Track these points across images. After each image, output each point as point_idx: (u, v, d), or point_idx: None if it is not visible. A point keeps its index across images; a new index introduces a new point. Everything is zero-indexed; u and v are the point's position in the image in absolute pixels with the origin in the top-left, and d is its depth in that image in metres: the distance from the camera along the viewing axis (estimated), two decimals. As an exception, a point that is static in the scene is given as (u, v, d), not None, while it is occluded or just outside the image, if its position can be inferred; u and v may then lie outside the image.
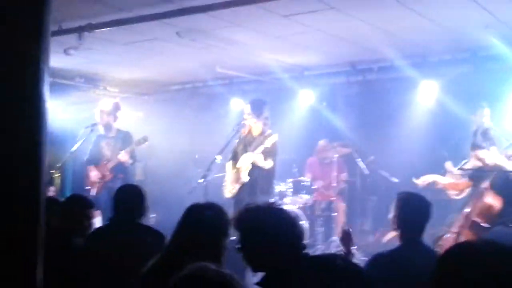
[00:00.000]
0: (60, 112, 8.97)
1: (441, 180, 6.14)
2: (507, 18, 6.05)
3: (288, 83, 8.76)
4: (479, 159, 5.24)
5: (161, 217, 9.27)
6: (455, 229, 5.10)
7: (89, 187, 7.51)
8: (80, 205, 4.19)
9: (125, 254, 3.54)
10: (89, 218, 4.14)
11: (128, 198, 4.03)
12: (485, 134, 5.29)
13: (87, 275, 3.56)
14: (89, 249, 3.78)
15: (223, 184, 6.77)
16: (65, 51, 6.79)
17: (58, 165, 7.43)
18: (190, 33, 6.54)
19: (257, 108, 6.42)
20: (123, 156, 7.26)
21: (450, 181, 6.18)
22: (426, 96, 8.12)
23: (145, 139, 7.38)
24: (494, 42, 6.74)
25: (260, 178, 6.24)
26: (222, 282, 1.49)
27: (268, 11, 5.71)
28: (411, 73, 7.79)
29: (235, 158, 6.49)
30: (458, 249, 1.46)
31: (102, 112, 7.64)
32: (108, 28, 6.19)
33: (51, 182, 7.38)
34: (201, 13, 5.58)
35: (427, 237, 6.40)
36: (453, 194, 6.71)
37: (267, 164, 6.23)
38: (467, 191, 6.10)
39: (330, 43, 7.10)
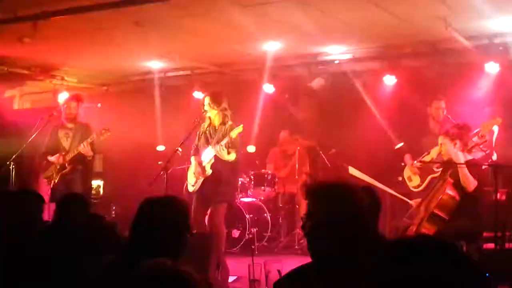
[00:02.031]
0: (16, 102, 8.72)
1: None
2: (465, 12, 6.13)
3: (249, 75, 8.72)
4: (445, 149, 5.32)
5: (121, 210, 9.16)
6: (416, 221, 5.15)
7: (47, 178, 7.33)
8: (30, 200, 4.10)
9: (75, 247, 3.47)
10: (40, 212, 4.10)
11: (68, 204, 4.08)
12: (461, 127, 5.38)
13: (36, 272, 3.47)
14: (38, 245, 3.69)
15: (187, 178, 6.70)
16: (20, 39, 6.59)
17: (14, 156, 7.23)
18: (149, 22, 6.42)
19: (217, 99, 6.37)
20: (84, 148, 7.10)
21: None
22: (386, 88, 8.20)
23: (106, 130, 7.23)
24: (453, 35, 6.83)
25: (224, 170, 6.19)
26: (180, 279, 1.44)
27: (228, 1, 5.65)
28: (372, 66, 7.86)
29: (197, 151, 6.43)
30: (395, 246, 1.46)
31: (66, 103, 7.46)
32: (65, 16, 6.02)
33: (7, 173, 7.19)
34: (159, 2, 5.48)
35: (390, 229, 6.54)
36: (412, 186, 6.82)
37: (231, 157, 6.19)
38: (426, 183, 6.20)
39: (291, 34, 7.08)
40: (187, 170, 6.67)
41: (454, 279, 1.31)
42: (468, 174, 5.00)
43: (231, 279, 5.91)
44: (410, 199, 5.73)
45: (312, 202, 2.41)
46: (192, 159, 6.43)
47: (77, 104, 7.47)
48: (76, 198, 4.28)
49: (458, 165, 5.03)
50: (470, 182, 5.00)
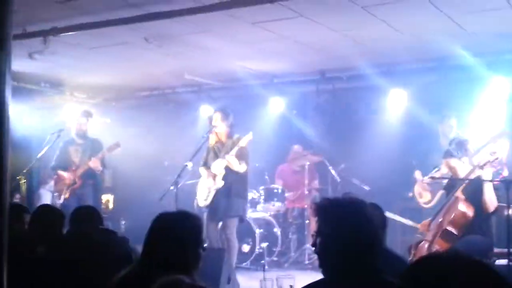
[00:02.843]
0: (25, 118, 8.76)
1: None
2: (473, 29, 6.14)
3: (257, 90, 8.74)
4: (450, 168, 5.28)
5: (130, 224, 9.15)
6: (428, 237, 5.11)
7: (56, 193, 7.34)
8: (51, 214, 4.13)
9: (87, 260, 3.46)
10: (60, 227, 4.12)
11: (84, 214, 4.12)
12: (461, 145, 5.34)
13: (50, 285, 3.46)
14: (52, 257, 3.69)
15: (196, 193, 6.69)
16: (30, 55, 6.65)
17: (24, 171, 7.25)
18: (158, 38, 6.46)
19: (225, 115, 6.40)
20: (94, 163, 7.13)
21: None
22: (395, 104, 8.20)
23: (117, 145, 7.27)
24: (461, 52, 6.84)
25: (234, 182, 6.20)
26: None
27: (235, 18, 5.68)
28: (380, 82, 7.85)
29: (206, 165, 6.43)
30: (424, 263, 1.43)
31: (77, 119, 7.50)
32: (74, 32, 6.07)
33: (17, 188, 7.21)
34: (168, 19, 5.51)
35: (400, 244, 6.50)
36: (422, 202, 6.78)
37: (241, 168, 6.20)
38: (436, 199, 6.16)
39: (299, 50, 7.12)
40: (197, 184, 6.66)
41: None
42: (493, 194, 4.97)
43: (242, 294, 5.89)
44: (421, 216, 5.69)
45: (322, 219, 2.41)
46: (202, 169, 6.43)
47: (87, 119, 7.51)
48: (90, 210, 4.28)
49: (471, 182, 4.99)
50: (493, 202, 4.97)
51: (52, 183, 7.56)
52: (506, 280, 1.34)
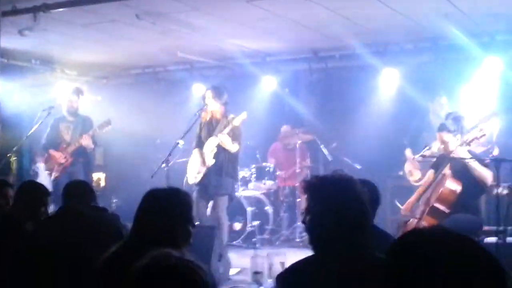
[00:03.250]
0: (16, 95, 8.69)
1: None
2: (466, 8, 6.12)
3: (250, 69, 8.71)
4: (443, 142, 5.29)
5: (121, 202, 9.16)
6: (417, 215, 5.15)
7: (47, 171, 7.32)
8: (35, 191, 4.11)
9: (78, 237, 3.47)
10: (45, 204, 4.12)
11: (76, 189, 4.07)
12: (457, 120, 5.36)
13: (37, 261, 3.47)
14: (41, 234, 3.70)
15: (187, 171, 6.70)
16: (20, 32, 6.56)
17: (15, 148, 7.22)
18: (150, 16, 6.40)
19: (218, 93, 6.39)
20: (85, 140, 7.11)
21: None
22: (387, 84, 8.20)
23: (108, 123, 7.24)
24: (454, 32, 6.82)
25: (225, 161, 6.21)
26: (186, 270, 1.43)
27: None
28: (373, 61, 7.84)
29: (199, 143, 6.44)
30: (411, 237, 1.44)
31: (68, 97, 7.45)
32: (64, 9, 6.00)
33: (7, 166, 7.19)
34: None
35: (390, 223, 6.56)
36: (413, 180, 6.82)
37: (234, 147, 6.21)
38: (426, 178, 6.19)
39: (292, 29, 7.08)
40: (188, 163, 6.67)
41: (474, 272, 1.30)
42: (481, 167, 4.99)
43: (234, 271, 5.93)
44: (412, 193, 5.71)
45: (311, 196, 2.42)
46: (195, 151, 6.44)
47: (78, 97, 7.47)
48: (82, 184, 4.24)
49: (461, 160, 5.02)
50: (487, 175, 5.00)
51: (42, 161, 7.52)
52: (491, 255, 1.35)
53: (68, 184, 4.19)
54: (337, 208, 2.31)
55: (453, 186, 4.99)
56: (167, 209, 2.76)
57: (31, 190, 4.20)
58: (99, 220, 3.72)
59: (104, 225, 3.67)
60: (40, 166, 8.47)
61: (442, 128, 5.32)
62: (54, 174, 7.18)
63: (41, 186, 4.33)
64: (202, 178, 6.26)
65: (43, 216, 4.06)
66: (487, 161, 5.28)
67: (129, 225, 3.52)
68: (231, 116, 6.29)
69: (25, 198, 4.09)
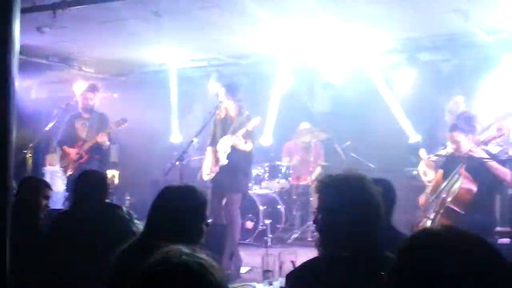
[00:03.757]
0: (34, 91, 8.78)
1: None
2: (486, 6, 6.06)
3: (266, 67, 8.70)
4: (454, 142, 5.25)
5: (136, 199, 9.21)
6: (430, 215, 5.13)
7: (63, 168, 7.38)
8: (35, 185, 4.19)
9: (90, 233, 3.50)
10: (46, 197, 4.17)
11: (88, 184, 4.03)
12: (469, 120, 5.32)
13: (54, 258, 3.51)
14: (53, 230, 3.74)
15: (201, 167, 6.73)
16: (38, 29, 6.63)
17: (31, 145, 7.29)
18: (168, 13, 6.42)
19: (233, 90, 6.40)
20: (102, 138, 7.15)
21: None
22: (403, 82, 8.13)
23: (124, 120, 7.27)
24: (473, 30, 6.76)
25: (239, 161, 6.21)
26: (196, 266, 1.44)
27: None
28: (390, 59, 7.80)
29: (213, 141, 6.46)
30: (420, 236, 1.43)
31: (84, 93, 7.50)
32: (83, 6, 6.04)
33: (23, 162, 7.25)
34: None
35: (404, 223, 6.51)
36: (427, 180, 6.77)
37: (247, 146, 6.22)
38: (436, 176, 6.16)
39: (309, 26, 7.04)
40: (203, 161, 6.70)
41: (486, 271, 1.29)
42: (498, 165, 4.96)
43: (244, 269, 5.94)
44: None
45: (322, 195, 2.42)
46: (209, 149, 6.47)
47: (94, 94, 7.51)
48: (95, 179, 4.17)
49: (475, 159, 4.99)
50: (507, 172, 4.97)
51: (55, 158, 7.58)
52: (502, 257, 1.35)
53: (80, 177, 4.14)
54: (349, 207, 2.30)
55: (469, 186, 4.96)
56: (181, 207, 2.77)
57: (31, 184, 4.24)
58: (111, 219, 3.74)
59: (118, 223, 3.69)
60: (49, 169, 8.55)
61: (454, 128, 5.29)
62: (68, 171, 7.24)
63: (39, 180, 4.37)
64: (216, 176, 6.28)
65: (44, 209, 4.11)
66: (507, 157, 5.23)
67: (139, 222, 3.56)
68: (246, 114, 6.30)
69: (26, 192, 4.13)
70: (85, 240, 3.51)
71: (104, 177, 4.25)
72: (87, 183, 4.01)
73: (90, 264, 3.25)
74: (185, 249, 1.49)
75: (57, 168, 8.11)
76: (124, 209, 3.94)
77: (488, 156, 5.07)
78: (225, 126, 6.40)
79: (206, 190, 6.01)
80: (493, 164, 5.01)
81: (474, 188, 4.94)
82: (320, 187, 2.43)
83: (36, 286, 3.51)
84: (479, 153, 5.10)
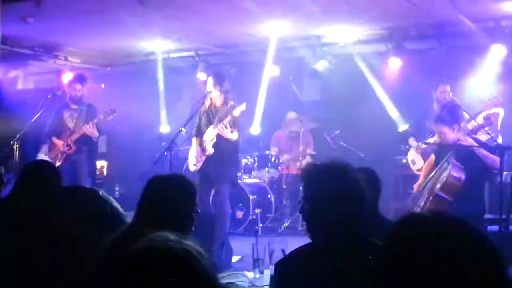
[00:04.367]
0: (20, 82, 8.70)
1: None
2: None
3: (253, 56, 8.66)
4: (440, 133, 5.28)
5: (125, 190, 9.18)
6: (420, 203, 5.15)
7: (51, 159, 7.32)
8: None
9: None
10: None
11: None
12: (452, 111, 5.33)
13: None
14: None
15: (188, 158, 6.70)
16: (23, 19, 6.55)
17: (18, 136, 7.23)
18: (154, 2, 6.37)
19: (219, 80, 6.36)
20: (90, 129, 7.09)
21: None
22: (391, 71, 8.13)
23: (112, 111, 7.22)
24: (459, 18, 6.77)
25: (226, 150, 6.19)
26: (183, 253, 1.42)
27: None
28: (377, 48, 7.79)
29: (199, 131, 6.43)
30: (407, 222, 1.42)
31: (72, 84, 7.44)
32: (68, -5, 5.99)
33: (11, 153, 7.19)
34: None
35: (392, 212, 6.56)
36: (416, 168, 6.80)
37: (233, 135, 6.20)
38: (429, 159, 6.17)
39: (296, 14, 7.02)
40: (189, 151, 6.67)
41: (472, 256, 1.29)
42: (489, 154, 4.98)
43: (235, 258, 5.94)
44: (415, 182, 5.71)
45: (307, 184, 2.42)
46: (194, 140, 6.44)
47: (82, 84, 7.45)
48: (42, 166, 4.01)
49: (463, 147, 5.01)
50: (494, 158, 4.98)
51: (46, 148, 7.52)
52: (490, 243, 1.34)
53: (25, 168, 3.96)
54: (332, 196, 2.30)
55: (457, 174, 4.98)
56: (170, 196, 2.76)
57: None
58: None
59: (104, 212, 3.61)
60: (40, 156, 8.47)
61: (437, 120, 5.32)
62: (57, 162, 7.18)
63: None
64: (203, 166, 6.26)
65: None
66: (495, 145, 5.26)
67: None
68: (230, 103, 6.27)
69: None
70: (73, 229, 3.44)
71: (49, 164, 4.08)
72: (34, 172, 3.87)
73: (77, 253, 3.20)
74: (171, 235, 1.47)
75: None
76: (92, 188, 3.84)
77: (476, 144, 5.08)
78: (210, 116, 6.36)
79: (193, 180, 6.00)
80: (482, 152, 5.03)
81: (462, 176, 4.96)
82: (304, 177, 2.43)
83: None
84: (468, 141, 5.11)
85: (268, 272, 3.49)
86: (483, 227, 4.96)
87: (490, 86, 7.17)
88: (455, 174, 4.98)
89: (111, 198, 3.63)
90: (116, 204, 3.47)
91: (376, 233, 2.19)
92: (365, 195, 2.34)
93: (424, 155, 6.69)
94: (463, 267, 1.26)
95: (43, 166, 4.01)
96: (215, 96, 6.29)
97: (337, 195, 2.29)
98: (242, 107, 6.24)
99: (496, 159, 4.99)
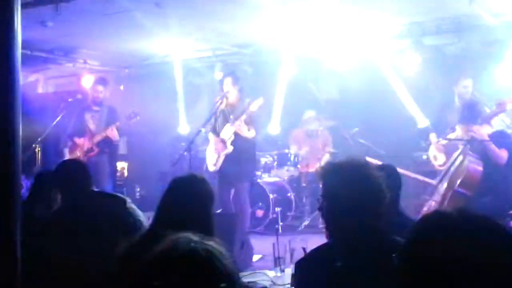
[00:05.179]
0: (40, 86, 8.80)
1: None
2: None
3: (270, 56, 8.66)
4: (468, 132, 5.22)
5: (145, 191, 9.24)
6: (437, 198, 5.10)
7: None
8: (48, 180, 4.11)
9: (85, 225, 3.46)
10: (56, 192, 4.05)
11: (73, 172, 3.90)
12: (472, 108, 5.28)
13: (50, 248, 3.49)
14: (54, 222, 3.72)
15: (206, 158, 6.73)
16: (42, 23, 6.62)
17: (39, 139, 7.31)
18: (170, 4, 6.40)
19: (235, 79, 6.38)
20: (112, 132, 7.15)
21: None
22: (409, 66, 8.06)
23: (135, 114, 7.27)
24: (478, 12, 6.69)
25: (243, 147, 6.21)
26: (205, 253, 1.43)
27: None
28: (395, 44, 7.74)
29: (215, 130, 6.45)
30: (431, 219, 1.42)
31: (94, 86, 7.51)
32: (86, -1, 6.04)
33: (33, 156, 7.28)
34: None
35: (414, 208, 6.51)
36: (437, 164, 6.74)
37: (250, 134, 6.21)
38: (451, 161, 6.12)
39: (312, 13, 6.99)
40: (207, 150, 6.69)
41: (497, 253, 1.27)
42: (495, 149, 4.92)
43: (256, 258, 5.95)
44: (436, 177, 5.66)
45: (325, 182, 2.42)
46: (210, 135, 6.46)
47: (104, 87, 7.52)
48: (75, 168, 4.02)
49: (484, 142, 4.95)
50: (499, 156, 4.92)
51: (67, 151, 7.61)
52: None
53: (60, 168, 4.00)
54: (351, 193, 2.29)
55: (475, 168, 4.92)
56: (190, 196, 2.78)
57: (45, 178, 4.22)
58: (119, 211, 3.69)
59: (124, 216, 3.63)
60: None
61: (462, 121, 5.26)
62: (80, 163, 7.24)
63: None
64: (222, 166, 6.28)
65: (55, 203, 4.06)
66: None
67: (140, 212, 3.54)
68: (247, 100, 6.28)
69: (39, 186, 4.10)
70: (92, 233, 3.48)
71: (83, 165, 4.10)
72: (67, 173, 3.91)
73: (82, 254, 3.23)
74: (193, 236, 1.48)
75: None
76: (122, 196, 3.86)
77: (487, 138, 5.01)
78: (226, 115, 6.38)
79: (212, 180, 6.02)
80: (490, 145, 4.96)
81: (479, 169, 4.90)
82: (323, 174, 2.43)
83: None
84: (481, 134, 5.05)
85: (289, 271, 3.49)
86: (506, 222, 4.90)
87: (510, 81, 7.08)
88: (472, 168, 4.92)
89: (137, 211, 3.68)
90: (141, 217, 3.52)
91: (396, 231, 2.20)
92: (384, 193, 2.34)
93: (446, 150, 6.62)
94: (488, 264, 1.25)
95: (75, 166, 4.03)
96: (232, 95, 6.31)
97: (356, 193, 2.29)
98: (260, 101, 6.25)
99: (502, 155, 4.92)
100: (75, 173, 3.85)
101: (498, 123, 5.61)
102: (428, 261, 1.30)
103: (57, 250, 3.39)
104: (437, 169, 6.66)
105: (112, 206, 3.70)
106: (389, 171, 3.14)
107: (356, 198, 2.28)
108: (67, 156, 7.63)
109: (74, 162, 4.42)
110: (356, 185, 2.31)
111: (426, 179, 5.85)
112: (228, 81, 6.35)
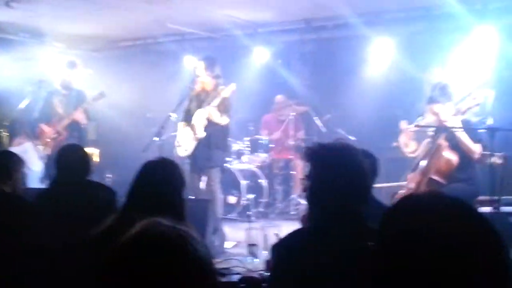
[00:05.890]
0: (6, 69, 8.57)
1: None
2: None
3: (242, 40, 8.61)
4: (434, 114, 5.25)
5: (116, 177, 9.12)
6: (411, 185, 5.13)
7: (42, 146, 7.25)
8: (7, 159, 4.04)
9: (74, 211, 3.43)
10: (18, 170, 4.01)
11: (71, 158, 3.92)
12: (443, 89, 5.30)
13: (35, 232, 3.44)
14: (38, 208, 3.66)
15: (176, 144, 6.65)
16: (7, 3, 6.44)
17: (6, 123, 7.13)
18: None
19: (210, 64, 6.30)
20: (79, 115, 7.01)
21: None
22: (380, 54, 8.11)
23: (102, 95, 7.13)
24: (446, 0, 6.74)
25: (215, 134, 6.15)
26: (177, 238, 1.39)
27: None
28: (365, 31, 7.75)
29: (188, 116, 6.37)
30: (402, 203, 1.40)
31: (62, 70, 7.33)
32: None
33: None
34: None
35: (384, 194, 6.55)
36: (408, 151, 6.79)
37: (223, 120, 6.15)
38: (422, 148, 6.16)
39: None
40: (176, 137, 6.61)
41: (469, 235, 1.26)
42: (469, 140, 4.95)
43: (230, 245, 5.93)
44: (406, 165, 5.69)
45: (313, 163, 2.39)
46: (180, 124, 6.39)
47: (72, 70, 7.36)
48: (78, 154, 4.06)
49: (455, 130, 4.98)
50: (472, 150, 4.95)
51: (26, 139, 7.42)
52: (487, 221, 1.32)
53: (62, 152, 4.04)
54: (339, 176, 2.28)
55: (450, 156, 4.96)
56: (162, 181, 2.76)
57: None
58: (97, 196, 3.67)
59: (101, 201, 3.61)
60: (27, 146, 8.34)
61: (431, 100, 5.28)
62: (47, 149, 7.11)
63: (11, 153, 4.26)
64: (193, 152, 6.22)
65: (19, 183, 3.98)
66: (482, 130, 5.24)
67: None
68: (220, 87, 6.22)
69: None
70: (67, 219, 3.43)
71: (85, 152, 4.11)
72: (68, 159, 3.91)
73: (72, 245, 3.18)
74: (164, 221, 1.44)
75: (27, 146, 7.92)
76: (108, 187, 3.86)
77: (460, 127, 5.03)
78: (199, 100, 6.31)
79: (183, 165, 5.96)
80: (463, 137, 4.98)
81: (455, 158, 4.95)
82: (310, 155, 2.40)
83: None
84: (455, 123, 5.08)
85: (262, 257, 3.48)
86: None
87: (479, 68, 7.16)
88: (448, 156, 4.96)
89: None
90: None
91: (372, 217, 2.20)
92: (369, 180, 2.34)
93: (416, 137, 6.67)
94: (460, 246, 1.24)
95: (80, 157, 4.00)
96: (207, 81, 6.23)
97: (342, 176, 2.27)
98: (232, 87, 6.19)
99: (475, 149, 4.94)
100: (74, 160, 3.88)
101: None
102: (402, 244, 1.28)
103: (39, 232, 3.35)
104: (407, 156, 6.71)
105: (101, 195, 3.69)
106: (371, 159, 3.19)
107: (341, 182, 2.26)
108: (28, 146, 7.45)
109: (73, 146, 4.34)
110: (343, 168, 2.29)
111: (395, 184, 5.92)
112: (201, 65, 6.27)
